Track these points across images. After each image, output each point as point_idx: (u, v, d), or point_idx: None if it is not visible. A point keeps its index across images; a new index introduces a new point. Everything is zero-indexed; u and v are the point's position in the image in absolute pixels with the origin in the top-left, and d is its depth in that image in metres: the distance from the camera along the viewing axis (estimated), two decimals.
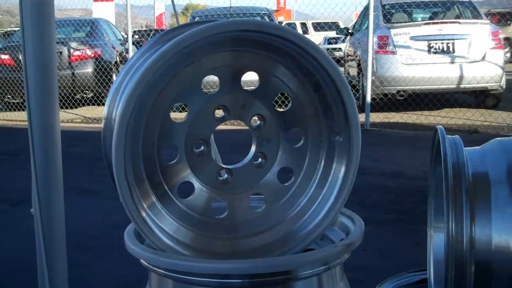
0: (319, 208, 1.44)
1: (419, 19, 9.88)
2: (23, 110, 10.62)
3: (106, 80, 10.76)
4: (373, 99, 8.30)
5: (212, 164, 1.41)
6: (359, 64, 9.59)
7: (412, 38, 8.62)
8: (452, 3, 9.70)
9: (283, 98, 5.76)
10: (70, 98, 10.72)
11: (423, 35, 8.58)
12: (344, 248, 1.31)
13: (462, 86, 8.44)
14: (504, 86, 8.59)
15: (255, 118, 1.43)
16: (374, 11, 8.36)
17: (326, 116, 1.43)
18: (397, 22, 9.16)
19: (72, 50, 10.89)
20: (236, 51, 1.35)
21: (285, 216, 1.45)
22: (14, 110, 10.88)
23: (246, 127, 1.45)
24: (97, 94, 10.95)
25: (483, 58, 8.39)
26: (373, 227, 3.99)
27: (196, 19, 10.44)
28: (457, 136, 1.56)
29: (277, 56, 1.37)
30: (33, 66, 1.77)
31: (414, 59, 8.53)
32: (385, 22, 9.10)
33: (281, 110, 1.43)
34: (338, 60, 11.92)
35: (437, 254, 1.75)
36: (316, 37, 24.51)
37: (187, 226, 1.37)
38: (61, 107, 10.49)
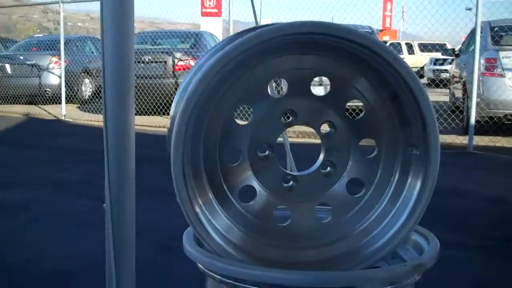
0: (389, 225, 1.34)
1: None
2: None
3: None
4: (477, 121, 7.93)
5: (277, 169, 1.34)
6: (464, 86, 9.22)
7: None
8: None
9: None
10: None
11: None
12: (412, 269, 1.20)
13: None
14: None
15: (325, 125, 1.35)
16: (482, 33, 7.99)
17: (402, 127, 1.33)
18: (506, 45, 8.73)
19: (176, 60, 11.18)
20: (304, 54, 1.28)
21: (351, 230, 1.36)
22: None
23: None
24: None
25: None
26: (467, 252, 3.76)
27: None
28: None
29: (351, 62, 1.29)
30: (111, 69, 1.77)
31: None
32: (493, 44, 8.69)
33: (354, 119, 1.34)
34: (444, 82, 11.52)
35: None
36: (422, 58, 23.91)
37: (246, 231, 1.31)
38: (163, 113, 10.81)
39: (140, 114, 10.65)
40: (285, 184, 1.34)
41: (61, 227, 4.28)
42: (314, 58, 1.29)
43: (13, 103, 13.26)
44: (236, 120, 1.31)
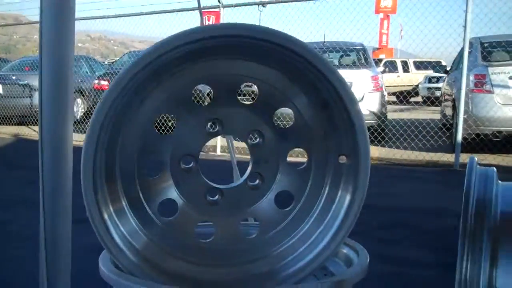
0: (320, 237, 1.27)
1: None
2: None
3: None
4: (465, 139, 7.87)
5: (200, 182, 1.28)
6: (454, 103, 9.18)
7: (511, 77, 8.14)
8: None
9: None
10: None
11: None
12: (331, 285, 1.13)
13: None
14: None
15: (253, 135, 1.29)
16: (472, 50, 7.97)
17: (333, 137, 1.27)
18: (495, 61, 8.70)
19: None
20: (230, 59, 1.23)
21: (282, 243, 1.29)
22: None
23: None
24: None
25: None
26: (449, 272, 3.68)
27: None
28: (493, 168, 1.35)
29: (280, 68, 1.23)
30: (48, 79, 1.72)
31: None
32: (483, 61, 8.66)
33: (283, 128, 1.29)
34: (438, 100, 11.48)
35: None
36: (417, 76, 23.93)
37: (164, 246, 1.25)
38: None
39: None
40: (210, 198, 1.28)
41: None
42: (242, 64, 1.24)
43: (3, 124, 13.20)
44: (157, 131, 1.25)
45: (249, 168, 1.30)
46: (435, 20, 9.94)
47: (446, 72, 10.87)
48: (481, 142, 8.03)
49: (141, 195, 1.24)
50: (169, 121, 6.51)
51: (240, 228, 1.30)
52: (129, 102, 1.18)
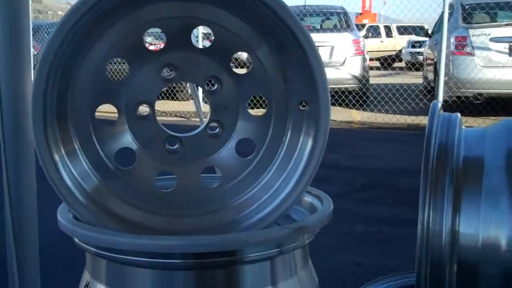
0: (283, 185, 1.24)
1: (502, 21, 9.32)
2: None
3: None
4: (445, 101, 7.88)
5: (158, 130, 1.24)
6: (435, 66, 9.17)
7: (492, 39, 8.12)
8: None
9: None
10: None
11: (504, 37, 8.07)
12: (292, 232, 1.10)
13: None
14: None
15: (210, 80, 1.24)
16: (454, 12, 7.93)
17: (292, 82, 1.23)
18: (476, 23, 8.67)
19: None
20: (184, 1, 1.17)
21: (244, 192, 1.26)
22: None
23: None
24: (168, 90, 11.00)
25: None
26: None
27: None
28: (457, 113, 1.32)
29: (234, 9, 1.18)
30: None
31: (493, 61, 8.03)
32: (464, 23, 8.63)
33: (241, 73, 1.24)
34: (421, 64, 11.46)
35: None
36: (401, 41, 23.86)
37: (123, 196, 1.21)
38: None
39: None
40: (169, 146, 1.24)
41: None
42: (195, 6, 1.18)
43: None
44: (109, 76, 1.20)
45: (208, 116, 1.26)
46: None
47: (428, 35, 10.83)
48: (462, 105, 8.04)
49: (94, 138, 1.19)
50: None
51: (200, 178, 1.26)
52: (79, 44, 1.13)
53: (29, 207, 1.73)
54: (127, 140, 1.22)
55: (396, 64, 19.87)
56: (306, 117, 1.23)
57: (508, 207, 1.08)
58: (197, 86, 1.51)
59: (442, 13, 7.98)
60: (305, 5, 10.63)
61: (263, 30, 1.19)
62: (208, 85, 1.24)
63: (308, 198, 1.30)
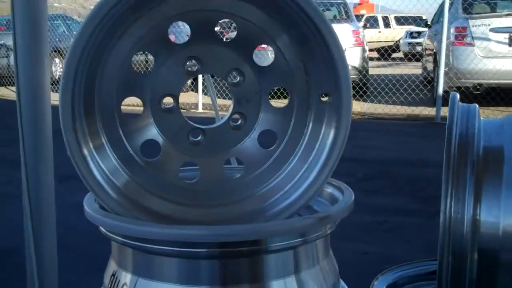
0: (305, 176, 1.26)
1: (503, 11, 9.34)
2: None
3: None
4: (446, 92, 7.90)
5: (182, 122, 1.25)
6: (435, 57, 9.18)
7: (492, 30, 8.14)
8: None
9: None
10: None
11: (504, 27, 8.09)
12: (317, 221, 1.12)
13: None
14: None
15: (233, 73, 1.26)
16: (454, 2, 7.94)
17: (314, 74, 1.24)
18: (476, 13, 8.68)
19: None
20: None
21: (267, 183, 1.28)
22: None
23: None
24: None
25: None
26: (421, 219, 3.74)
27: None
28: (475, 104, 1.34)
29: (257, 2, 1.20)
30: (21, 40, 1.70)
31: (493, 51, 8.05)
32: (464, 13, 8.64)
33: (263, 66, 1.26)
34: (419, 55, 11.45)
35: None
36: (399, 31, 23.85)
37: (149, 188, 1.23)
38: None
39: None
40: (192, 138, 1.26)
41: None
42: None
43: None
44: (136, 69, 1.22)
45: (231, 108, 1.28)
46: None
47: (427, 26, 10.84)
48: (462, 95, 8.06)
49: (121, 132, 1.21)
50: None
51: (224, 169, 1.28)
52: (106, 39, 1.14)
53: (47, 203, 1.75)
54: (153, 132, 1.24)
55: (394, 55, 19.91)
56: (327, 108, 1.25)
57: None
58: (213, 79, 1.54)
59: (443, 3, 7.99)
60: None
61: (286, 23, 1.21)
62: (230, 77, 1.26)
63: (328, 189, 1.32)
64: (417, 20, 22.01)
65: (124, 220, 1.14)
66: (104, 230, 1.20)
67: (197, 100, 9.21)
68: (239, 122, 1.28)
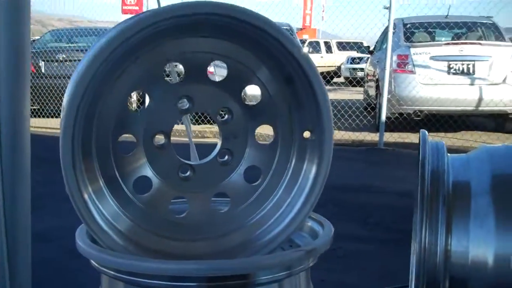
0: (285, 213, 1.34)
1: (442, 40, 9.75)
2: (41, 116, 10.63)
3: None
4: (388, 118, 8.16)
5: (173, 159, 1.32)
6: (377, 83, 9.48)
7: (432, 58, 8.48)
8: (475, 25, 9.55)
9: None
10: None
11: (443, 55, 8.44)
12: (304, 254, 1.21)
13: (480, 108, 8.27)
14: None
15: (222, 111, 1.34)
16: (395, 30, 8.24)
17: (298, 112, 1.34)
18: (417, 42, 9.04)
19: None
20: (202, 37, 1.26)
21: (251, 217, 1.35)
22: (34, 116, 10.86)
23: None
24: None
25: (504, 81, 8.21)
26: (374, 246, 3.86)
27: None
28: (441, 141, 1.46)
29: (247, 45, 1.28)
30: (5, 66, 1.72)
31: (433, 79, 8.39)
32: (405, 41, 8.98)
33: (250, 104, 1.34)
34: (360, 80, 11.79)
35: None
36: (340, 57, 24.41)
37: (141, 223, 1.28)
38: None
39: (54, 117, 10.31)
40: (182, 174, 1.32)
41: None
42: (212, 42, 1.27)
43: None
44: (131, 107, 1.28)
45: (219, 144, 1.35)
46: (356, 4, 10.22)
47: (370, 52, 11.18)
48: (404, 121, 8.35)
49: (117, 173, 1.26)
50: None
51: (212, 203, 1.35)
52: (106, 79, 1.20)
53: (23, 214, 1.77)
54: (145, 169, 1.29)
55: (336, 80, 20.37)
56: (310, 145, 1.34)
57: (495, 227, 1.22)
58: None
59: (385, 31, 8.29)
60: None
61: (273, 64, 1.30)
62: (220, 115, 1.33)
63: (308, 223, 1.41)
64: (359, 46, 22.61)
65: (117, 255, 1.20)
66: (96, 264, 1.25)
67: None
68: (226, 158, 1.35)
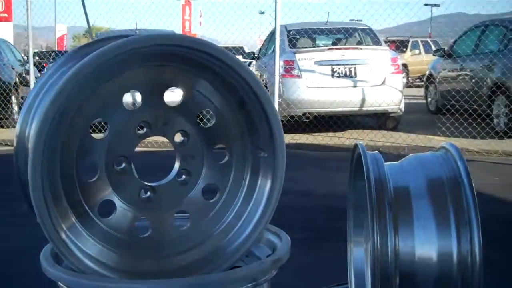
0: (245, 224, 1.42)
1: (322, 45, 10.18)
2: None
3: (5, 102, 10.21)
4: (281, 121, 8.37)
5: (134, 181, 1.36)
6: (266, 88, 9.69)
7: (316, 62, 8.83)
8: (354, 30, 10.06)
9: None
10: None
11: (326, 60, 8.81)
12: (271, 264, 1.29)
13: (364, 109, 8.72)
14: (403, 109, 8.96)
15: (178, 134, 1.39)
16: (281, 37, 8.50)
17: (250, 132, 1.42)
18: (302, 47, 9.38)
19: None
20: (158, 66, 1.32)
21: (211, 232, 1.42)
22: None
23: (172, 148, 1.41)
24: None
25: (383, 83, 8.71)
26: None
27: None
28: (377, 151, 1.59)
29: (200, 71, 1.35)
30: None
31: (318, 83, 8.73)
32: (290, 47, 9.28)
33: (205, 126, 1.40)
34: None
35: (357, 267, 1.77)
36: None
37: (110, 247, 1.31)
38: None
39: None
40: (143, 196, 1.36)
41: None
42: (169, 70, 1.33)
43: None
44: (92, 135, 1.30)
45: (177, 165, 1.40)
46: (232, 10, 10.39)
47: (254, 58, 11.43)
48: (295, 123, 8.64)
49: (82, 200, 1.28)
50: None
51: (173, 221, 1.40)
52: (68, 109, 1.22)
53: None
54: (109, 193, 1.32)
55: None
56: (263, 162, 1.42)
57: (436, 228, 1.37)
58: None
59: (271, 37, 8.52)
60: (136, 29, 10.69)
61: (227, 89, 1.37)
62: (177, 138, 1.39)
63: (265, 235, 1.49)
64: (239, 51, 22.94)
65: (82, 277, 1.23)
66: (63, 286, 1.27)
67: None
68: (185, 177, 1.40)
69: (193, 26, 28.88)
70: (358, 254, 1.78)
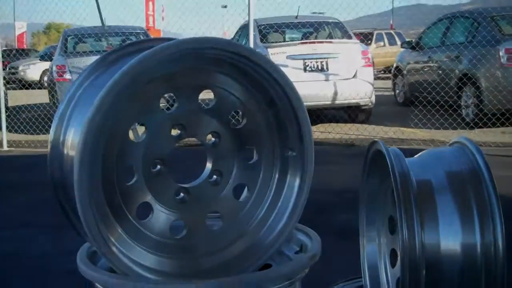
0: (276, 220, 1.46)
1: (293, 39, 10.24)
2: None
3: None
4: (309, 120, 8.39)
5: (170, 183, 1.38)
6: None
7: (288, 57, 8.88)
8: (321, 24, 10.14)
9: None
10: None
11: (298, 54, 8.87)
12: (308, 261, 1.33)
13: (336, 102, 8.82)
14: (374, 102, 9.08)
15: (210, 135, 1.42)
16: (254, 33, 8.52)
17: (279, 131, 1.45)
18: (274, 42, 9.41)
19: None
20: (194, 68, 1.34)
21: (244, 230, 1.45)
22: None
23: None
24: None
25: (355, 76, 8.83)
26: None
27: (70, 38, 10.21)
28: (395, 147, 1.64)
29: (232, 73, 1.38)
30: None
31: (291, 77, 8.72)
32: (262, 42, 9.31)
33: (236, 127, 1.43)
34: None
35: (370, 262, 1.83)
36: None
37: (147, 249, 1.33)
38: None
39: None
40: (178, 197, 1.39)
41: None
42: (205, 74, 1.36)
43: None
44: (129, 138, 1.32)
45: (209, 166, 1.43)
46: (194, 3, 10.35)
47: None
48: None
49: (121, 202, 1.30)
50: None
51: (206, 221, 1.43)
52: (110, 117, 1.23)
53: None
54: (146, 196, 1.34)
55: None
56: (292, 161, 1.46)
57: (460, 223, 1.43)
58: None
59: (243, 32, 8.52)
60: (106, 26, 10.58)
61: (257, 89, 1.40)
62: (209, 139, 1.41)
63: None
64: None
65: (121, 277, 1.27)
66: (100, 287, 1.29)
67: (1, 137, 8.67)
68: (216, 178, 1.43)
69: (158, 22, 28.71)
70: (371, 249, 1.83)
